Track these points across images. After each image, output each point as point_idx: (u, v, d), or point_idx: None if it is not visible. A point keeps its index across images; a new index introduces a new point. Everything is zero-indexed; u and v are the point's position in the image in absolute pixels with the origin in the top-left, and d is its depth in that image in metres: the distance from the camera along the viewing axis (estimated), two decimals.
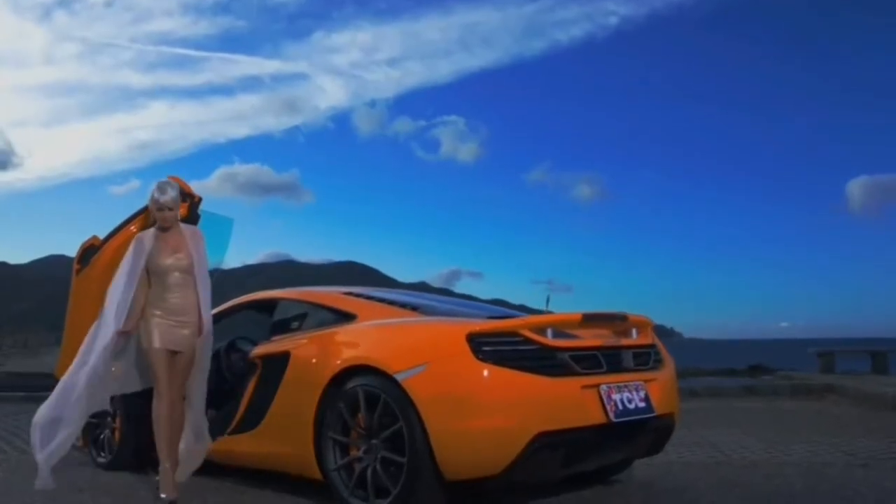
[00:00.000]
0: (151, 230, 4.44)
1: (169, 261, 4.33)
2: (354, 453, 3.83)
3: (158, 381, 4.26)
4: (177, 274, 4.33)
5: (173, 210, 4.38)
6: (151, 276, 4.33)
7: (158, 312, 4.29)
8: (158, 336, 4.25)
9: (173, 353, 4.27)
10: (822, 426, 7.13)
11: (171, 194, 4.36)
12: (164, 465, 4.21)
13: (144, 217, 4.89)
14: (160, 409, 4.24)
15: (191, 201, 4.87)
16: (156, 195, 4.34)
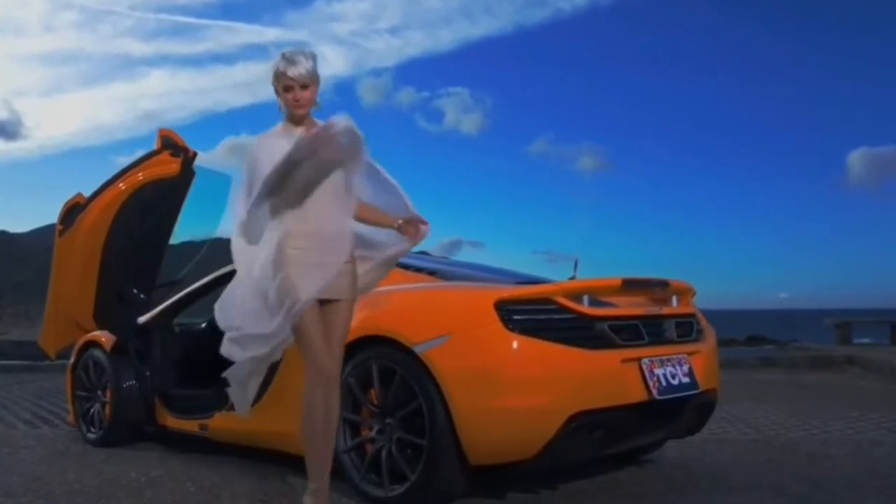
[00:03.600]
0: (274, 130, 3.12)
1: (309, 170, 2.97)
2: (366, 433, 3.46)
3: (310, 350, 3.02)
4: (322, 183, 3.01)
5: (309, 88, 3.01)
6: (283, 192, 2.98)
7: (298, 245, 2.98)
8: (303, 280, 2.94)
9: (323, 304, 3.06)
10: (853, 400, 6.80)
11: (307, 65, 2.98)
12: (313, 485, 3.07)
13: (134, 174, 4.51)
14: (315, 396, 3.02)
15: (185, 156, 4.49)
16: (282, 68, 2.99)
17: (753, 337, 16.06)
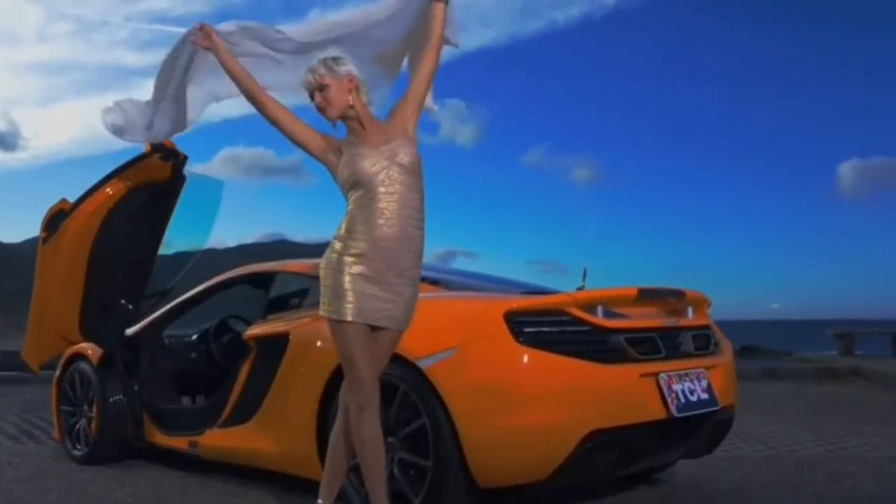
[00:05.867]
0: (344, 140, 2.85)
1: (376, 161, 2.70)
2: None
3: (356, 376, 2.71)
4: (394, 175, 2.70)
5: (324, 90, 2.75)
6: (350, 195, 2.74)
7: (358, 250, 2.68)
8: (356, 300, 2.66)
9: (374, 329, 2.74)
10: (864, 414, 6.63)
11: (316, 68, 2.78)
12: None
13: (121, 179, 4.33)
14: (364, 426, 2.71)
15: (175, 160, 4.30)
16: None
17: (747, 347, 15.92)
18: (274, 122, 2.86)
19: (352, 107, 2.77)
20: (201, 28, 3.02)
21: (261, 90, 2.90)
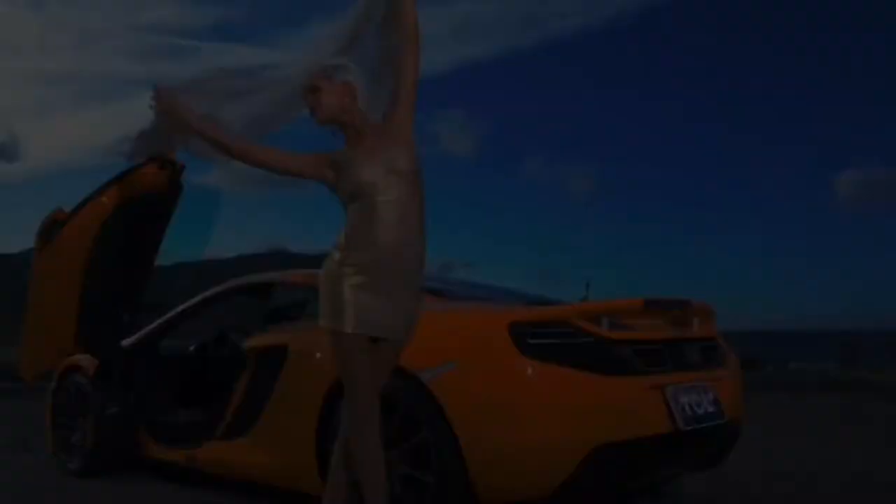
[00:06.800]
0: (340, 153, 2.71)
1: (374, 169, 2.59)
2: None
3: (357, 392, 2.59)
4: (392, 183, 2.58)
5: (317, 92, 2.66)
6: (350, 206, 2.63)
7: (357, 260, 2.57)
8: (355, 312, 2.55)
9: (374, 341, 2.62)
10: (870, 427, 6.59)
11: (313, 73, 2.70)
12: None
13: (117, 188, 4.27)
14: (367, 442, 2.59)
15: (172, 169, 4.23)
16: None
17: (748, 358, 15.91)
18: (261, 166, 2.74)
19: (345, 112, 2.69)
20: (155, 91, 2.87)
21: (234, 142, 2.76)
